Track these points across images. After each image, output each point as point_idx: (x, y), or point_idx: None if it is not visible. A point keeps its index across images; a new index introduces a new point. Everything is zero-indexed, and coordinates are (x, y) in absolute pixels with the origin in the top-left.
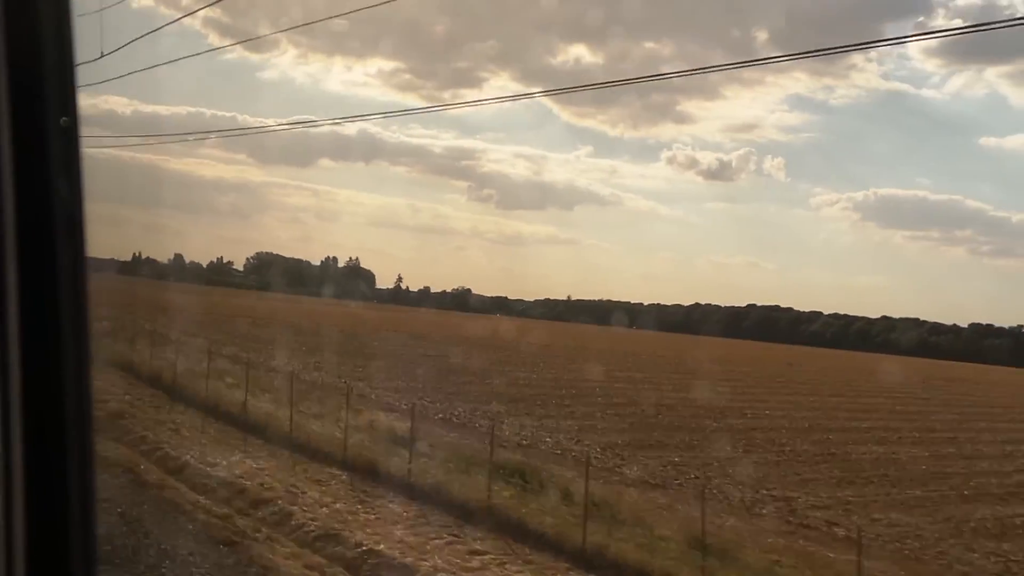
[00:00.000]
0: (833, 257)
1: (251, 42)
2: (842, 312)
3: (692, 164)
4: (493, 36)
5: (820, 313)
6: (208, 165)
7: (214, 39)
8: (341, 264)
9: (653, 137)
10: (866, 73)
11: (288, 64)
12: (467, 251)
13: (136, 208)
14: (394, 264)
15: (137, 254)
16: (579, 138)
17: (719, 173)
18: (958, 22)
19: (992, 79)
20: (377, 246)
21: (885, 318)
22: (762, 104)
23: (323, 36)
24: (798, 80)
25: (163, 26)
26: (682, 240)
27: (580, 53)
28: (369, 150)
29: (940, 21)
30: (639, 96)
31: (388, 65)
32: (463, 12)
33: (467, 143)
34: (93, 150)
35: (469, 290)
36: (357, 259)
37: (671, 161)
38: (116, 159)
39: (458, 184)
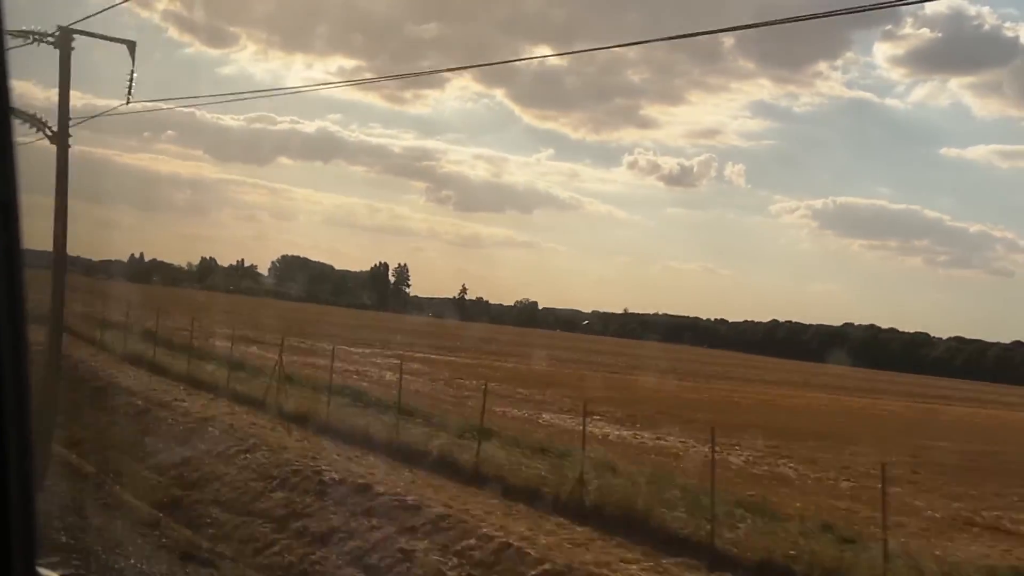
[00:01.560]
0: (789, 264)
1: (211, 37)
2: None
3: (653, 169)
4: (457, 36)
5: (927, 335)
6: (163, 160)
7: (174, 32)
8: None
9: (615, 141)
10: (831, 81)
11: (248, 60)
12: (425, 252)
13: (93, 204)
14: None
15: (138, 255)
16: (541, 140)
17: (680, 179)
18: (926, 31)
19: (956, 90)
20: (332, 246)
21: (1019, 343)
22: (725, 110)
23: (284, 32)
24: (762, 87)
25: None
26: (640, 245)
27: (545, 53)
28: (328, 149)
29: (908, 29)
30: (603, 99)
31: (349, 63)
32: (427, 11)
33: (427, 143)
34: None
35: (536, 303)
36: (405, 265)
37: (632, 166)
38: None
39: (417, 185)
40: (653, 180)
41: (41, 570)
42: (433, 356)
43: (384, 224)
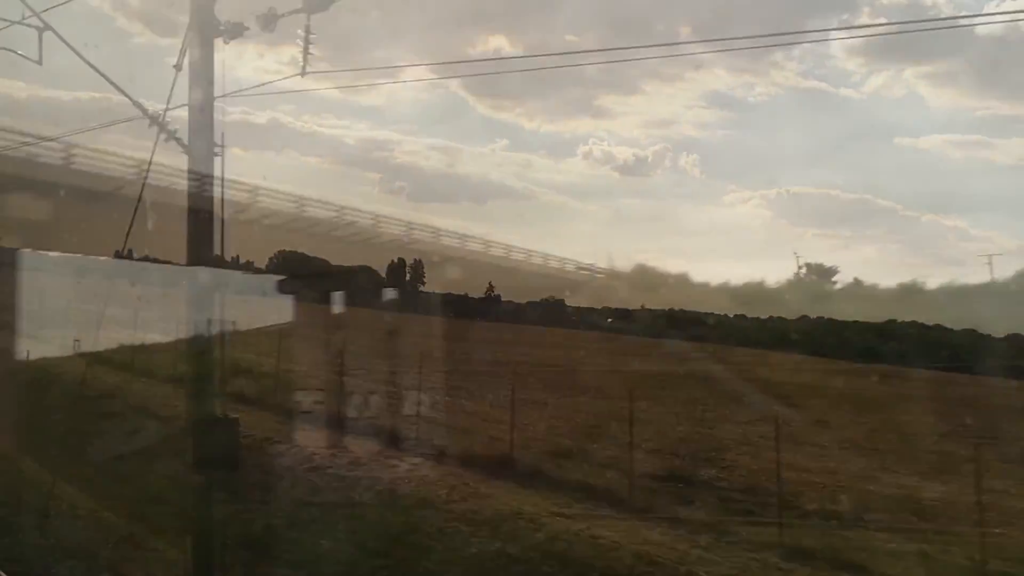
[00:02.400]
0: (743, 254)
1: (161, 25)
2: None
3: (608, 159)
4: (411, 24)
5: (975, 331)
6: None
7: (123, 21)
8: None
9: (570, 131)
10: (786, 71)
11: None
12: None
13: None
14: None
15: (124, 251)
16: (495, 131)
17: (634, 169)
18: (882, 21)
19: (911, 79)
20: (287, 238)
21: None
22: (681, 100)
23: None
24: (718, 76)
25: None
26: (593, 234)
27: (500, 44)
28: (280, 139)
29: (864, 19)
30: (558, 89)
31: (300, 52)
32: None
33: (381, 134)
34: None
35: (562, 301)
36: (420, 261)
37: (587, 156)
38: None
39: (370, 176)
40: (607, 170)
41: None
42: None
43: (337, 216)
